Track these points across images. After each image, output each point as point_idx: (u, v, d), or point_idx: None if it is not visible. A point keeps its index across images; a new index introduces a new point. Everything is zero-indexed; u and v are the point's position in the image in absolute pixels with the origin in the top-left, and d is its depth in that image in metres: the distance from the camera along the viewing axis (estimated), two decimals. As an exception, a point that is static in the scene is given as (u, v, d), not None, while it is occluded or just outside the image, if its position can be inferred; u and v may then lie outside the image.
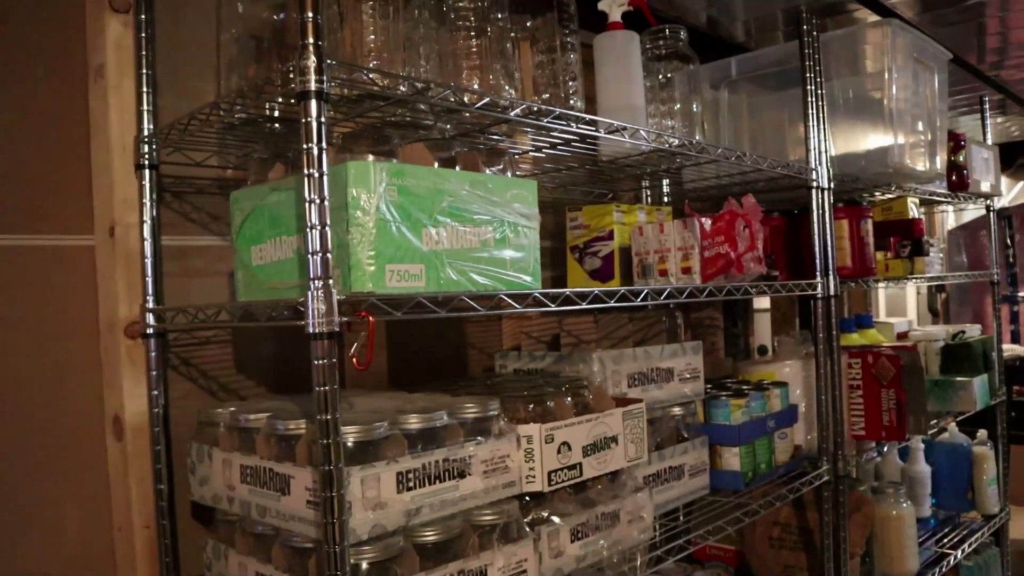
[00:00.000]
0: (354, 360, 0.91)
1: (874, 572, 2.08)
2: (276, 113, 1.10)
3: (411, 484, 0.98)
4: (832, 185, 1.79)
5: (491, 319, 1.86)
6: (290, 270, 1.00)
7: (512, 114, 1.09)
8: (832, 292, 1.77)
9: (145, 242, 1.21)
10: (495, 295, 1.03)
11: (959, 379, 2.27)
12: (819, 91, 1.77)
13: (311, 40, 0.86)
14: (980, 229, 4.63)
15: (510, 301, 1.05)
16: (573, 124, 1.18)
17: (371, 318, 0.89)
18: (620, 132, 1.28)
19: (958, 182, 2.27)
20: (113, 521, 1.29)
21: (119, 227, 1.23)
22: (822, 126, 1.78)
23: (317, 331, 0.86)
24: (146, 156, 1.21)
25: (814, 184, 1.77)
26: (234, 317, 1.06)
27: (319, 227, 0.86)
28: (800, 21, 1.76)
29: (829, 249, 1.77)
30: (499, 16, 1.15)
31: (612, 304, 1.22)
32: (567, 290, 1.14)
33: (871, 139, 1.90)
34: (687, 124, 1.57)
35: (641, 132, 1.33)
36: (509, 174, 1.12)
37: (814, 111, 1.76)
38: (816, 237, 1.77)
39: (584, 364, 1.46)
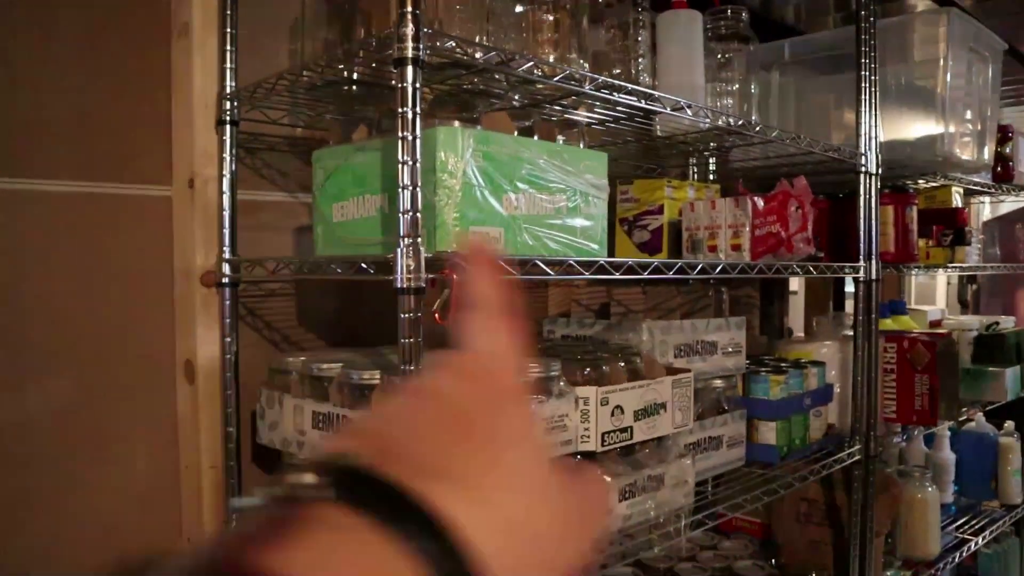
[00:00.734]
0: (436, 315, 0.95)
1: (896, 552, 2.13)
2: (356, 76, 1.14)
3: (478, 436, 1.03)
4: (880, 171, 1.81)
5: (538, 286, 1.90)
6: (372, 227, 1.05)
7: (586, 87, 1.13)
8: (874, 276, 1.80)
9: (224, 195, 1.26)
10: (566, 261, 1.08)
11: (991, 369, 2.30)
12: (872, 76, 1.79)
13: (409, 8, 0.90)
14: (1015, 222, 4.61)
15: (579, 267, 1.10)
16: (642, 100, 1.21)
17: (455, 276, 0.94)
18: (684, 109, 1.31)
19: (1003, 173, 2.28)
20: (180, 460, 1.35)
21: (198, 179, 1.28)
22: (873, 112, 1.79)
23: (404, 286, 0.91)
24: (228, 113, 1.26)
25: (863, 169, 1.79)
26: (315, 270, 1.11)
27: (411, 187, 0.90)
28: (858, 6, 1.78)
29: (874, 234, 1.80)
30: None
31: (669, 276, 1.26)
32: (630, 260, 1.18)
33: (920, 127, 1.92)
34: (745, 104, 1.60)
35: (703, 111, 1.36)
36: (581, 145, 1.16)
37: (867, 96, 1.78)
38: (861, 221, 1.79)
39: (633, 333, 1.51)
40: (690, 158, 2.07)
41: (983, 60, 2.00)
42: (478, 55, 0.99)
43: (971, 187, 2.24)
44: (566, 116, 1.39)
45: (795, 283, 2.82)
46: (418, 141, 0.90)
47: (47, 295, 1.24)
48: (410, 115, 0.90)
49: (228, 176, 1.26)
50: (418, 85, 0.91)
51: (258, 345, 1.42)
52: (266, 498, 0.30)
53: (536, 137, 1.11)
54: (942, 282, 4.23)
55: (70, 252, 1.26)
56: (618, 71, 1.25)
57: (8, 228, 1.20)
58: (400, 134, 0.90)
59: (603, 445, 1.23)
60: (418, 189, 0.90)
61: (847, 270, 1.77)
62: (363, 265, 0.99)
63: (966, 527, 2.41)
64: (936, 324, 2.58)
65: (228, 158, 1.26)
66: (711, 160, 2.11)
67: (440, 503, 0.30)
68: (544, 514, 0.34)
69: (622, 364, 1.32)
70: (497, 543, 0.31)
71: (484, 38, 1.10)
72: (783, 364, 1.82)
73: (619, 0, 1.25)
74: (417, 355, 0.91)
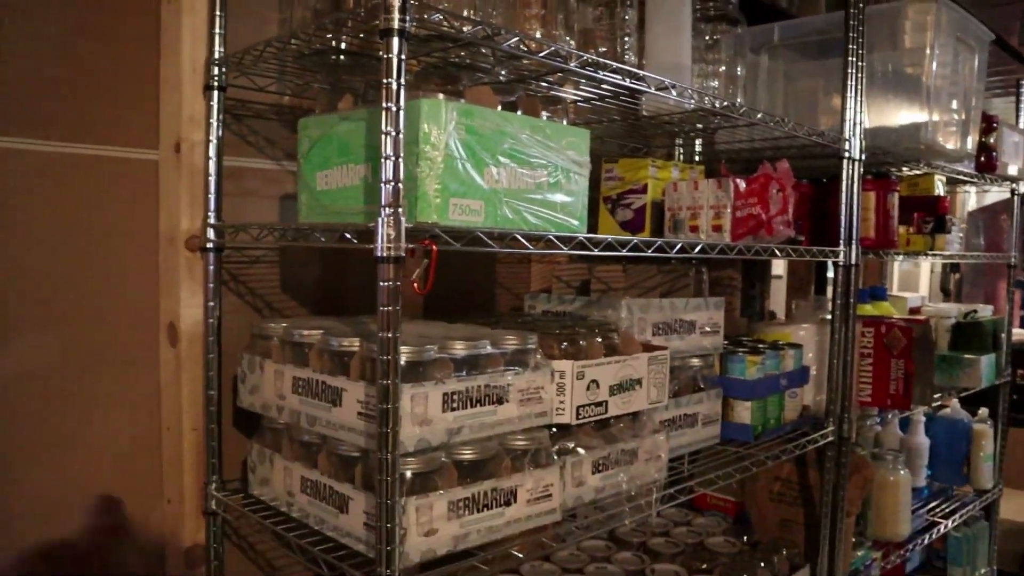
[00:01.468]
0: (414, 285, 0.97)
1: (867, 533, 2.17)
2: (344, 46, 1.15)
3: (455, 405, 1.06)
4: (863, 157, 1.83)
5: (521, 261, 1.92)
6: (355, 196, 1.06)
7: (572, 65, 1.14)
8: (854, 261, 1.83)
9: (210, 160, 1.27)
10: (545, 235, 1.09)
11: (967, 356, 2.34)
12: (860, 63, 1.80)
13: (396, -22, 0.91)
14: (1000, 213, 4.65)
15: (558, 242, 1.11)
16: (628, 79, 1.22)
17: (434, 247, 0.96)
18: (668, 89, 1.32)
19: (987, 163, 2.30)
20: (162, 422, 1.37)
21: (185, 144, 1.28)
22: (859, 98, 1.81)
23: (384, 255, 0.92)
24: (216, 78, 1.26)
25: (846, 154, 1.81)
26: (298, 237, 1.12)
27: (393, 158, 0.91)
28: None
29: (855, 219, 1.82)
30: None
31: (648, 254, 1.28)
32: (609, 236, 1.20)
33: (905, 114, 1.93)
34: (731, 86, 1.61)
35: (688, 91, 1.37)
36: (564, 122, 1.17)
37: (853, 82, 1.79)
38: (843, 206, 1.81)
39: (612, 310, 1.53)
40: (676, 139, 2.08)
41: (969, 50, 2.02)
42: (465, 28, 1.00)
43: (954, 176, 2.26)
44: (551, 93, 1.41)
45: (779, 267, 2.84)
46: (402, 112, 0.92)
47: (31, 255, 1.25)
48: (395, 86, 0.91)
49: (215, 141, 1.27)
50: (403, 56, 0.92)
51: (241, 311, 1.43)
52: None
53: (520, 112, 1.12)
54: (925, 270, 4.28)
55: (55, 213, 1.27)
56: (604, 49, 1.26)
57: (-5, 187, 1.21)
58: (384, 104, 0.91)
59: (578, 418, 1.25)
60: (400, 160, 0.92)
61: (827, 254, 1.79)
62: (346, 234, 1.00)
63: (937, 510, 2.46)
64: (916, 311, 2.61)
65: (215, 123, 1.27)
66: (696, 141, 2.13)
67: None
68: None
69: (599, 339, 1.34)
70: None
71: (472, 12, 1.11)
72: (760, 345, 1.85)
73: (607, -22, 1.26)
74: (396, 323, 0.92)
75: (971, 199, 4.37)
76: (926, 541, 2.30)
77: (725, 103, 1.48)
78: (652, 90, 1.31)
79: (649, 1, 1.50)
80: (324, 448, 1.14)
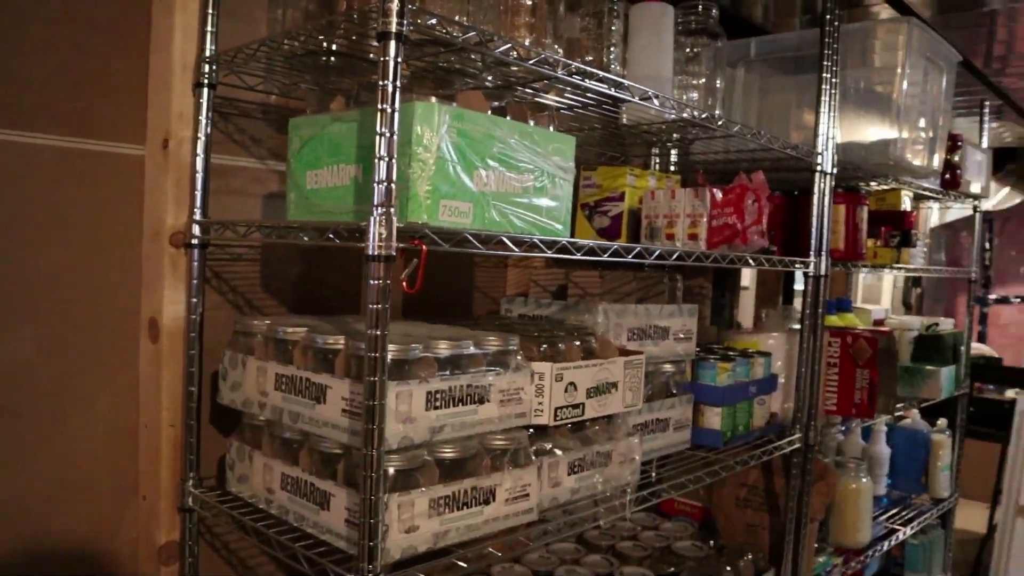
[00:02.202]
0: (403, 283, 0.99)
1: (828, 539, 2.22)
2: (335, 48, 1.17)
3: (438, 404, 1.07)
4: (835, 171, 1.88)
5: (497, 265, 1.94)
6: (345, 196, 1.07)
7: (559, 72, 1.16)
8: (823, 272, 1.87)
9: (198, 157, 1.28)
10: (530, 239, 1.12)
11: (928, 368, 2.40)
12: (834, 79, 1.85)
13: (394, -16, 0.93)
14: (961, 230, 4.78)
15: (542, 246, 1.14)
16: (612, 88, 1.25)
17: (424, 247, 0.97)
18: (651, 99, 1.36)
19: (951, 181, 2.37)
20: (140, 418, 1.37)
21: (173, 140, 1.29)
22: (832, 113, 1.86)
23: (376, 253, 0.94)
24: (206, 76, 1.27)
25: (819, 168, 1.85)
26: (285, 235, 1.13)
27: (387, 159, 0.93)
28: (823, 10, 1.84)
29: (825, 231, 1.87)
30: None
31: (628, 259, 1.31)
32: (591, 241, 1.22)
33: (875, 130, 1.99)
34: (710, 98, 1.65)
35: (669, 102, 1.40)
36: (551, 128, 1.19)
37: (827, 99, 1.84)
38: (814, 218, 1.86)
39: (589, 314, 1.56)
40: (653, 148, 2.12)
41: (938, 70, 2.08)
42: (457, 34, 1.02)
43: (920, 192, 2.32)
44: (536, 99, 1.43)
45: (746, 278, 2.90)
46: (396, 114, 0.93)
47: (10, 246, 1.24)
48: (390, 88, 0.93)
49: (203, 138, 1.28)
50: (399, 59, 0.93)
51: (221, 307, 1.43)
52: None
53: (508, 117, 1.14)
54: (888, 284, 4.37)
55: (38, 205, 1.26)
56: (590, 58, 1.29)
57: (-24, 177, 1.21)
58: (379, 106, 0.93)
59: (555, 420, 1.27)
60: (394, 160, 0.93)
61: (798, 265, 1.84)
62: (332, 232, 1.02)
63: (896, 518, 2.52)
64: (879, 323, 2.68)
65: (204, 121, 1.28)
66: (673, 152, 2.17)
67: None
68: None
69: (577, 343, 1.36)
70: None
71: (464, 18, 1.13)
72: (731, 352, 1.88)
73: (594, -11, 1.29)
74: (385, 321, 0.94)
75: (934, 215, 4.48)
76: (885, 548, 2.36)
77: (704, 115, 1.52)
78: (635, 99, 1.34)
79: (634, 12, 1.53)
80: (306, 445, 1.15)
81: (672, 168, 2.19)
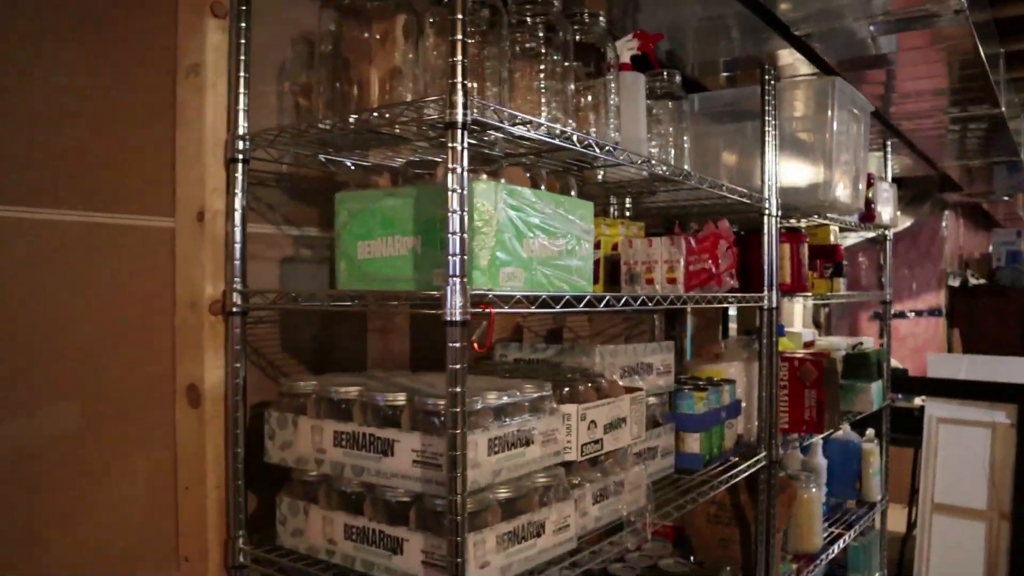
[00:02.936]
0: (475, 344, 1.10)
1: (787, 546, 2.41)
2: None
3: (496, 449, 1.18)
4: (780, 213, 2.08)
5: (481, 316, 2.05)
6: (403, 265, 1.18)
7: (598, 152, 1.31)
8: (775, 304, 2.07)
9: (236, 229, 1.35)
10: (565, 295, 1.25)
11: (859, 384, 2.64)
12: (774, 132, 2.06)
13: (459, 79, 1.05)
14: (858, 252, 5.18)
15: (573, 300, 1.27)
16: (626, 159, 1.41)
17: (492, 311, 1.09)
18: (643, 164, 1.51)
19: (868, 214, 2.64)
20: (179, 482, 1.41)
21: (209, 213, 1.36)
22: (775, 161, 2.07)
23: (453, 319, 1.05)
24: (240, 152, 1.35)
25: (767, 211, 2.06)
26: (350, 302, 1.22)
27: (459, 234, 1.04)
28: (761, 72, 2.05)
29: (774, 268, 2.07)
30: (563, 60, 1.36)
31: (636, 307, 1.45)
32: (609, 294, 1.36)
33: (809, 173, 2.22)
34: (678, 155, 1.82)
35: (659, 165, 1.56)
36: (573, 194, 1.33)
37: (771, 149, 2.05)
38: (765, 257, 2.06)
39: (587, 356, 1.69)
40: (611, 197, 2.29)
41: (856, 119, 2.34)
42: (505, 123, 1.15)
43: (844, 226, 2.57)
44: (523, 161, 1.56)
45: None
46: (467, 193, 1.05)
47: (50, 321, 1.28)
48: (459, 171, 1.05)
49: (239, 211, 1.35)
50: (466, 144, 1.05)
51: (249, 370, 1.49)
52: None
53: (543, 188, 1.27)
54: (799, 308, 4.69)
55: (72, 279, 1.30)
56: (593, 130, 1.44)
57: (13, 256, 1.24)
58: (451, 187, 1.04)
59: (582, 455, 1.40)
60: (466, 235, 1.05)
61: (755, 299, 2.03)
62: (403, 300, 1.12)
63: (838, 523, 2.74)
64: (809, 344, 2.92)
65: (239, 194, 1.35)
66: (627, 200, 2.34)
67: None
68: None
69: (591, 385, 1.50)
70: None
71: (496, 99, 1.26)
72: (701, 382, 2.05)
73: (595, 70, 1.44)
74: (464, 379, 1.05)
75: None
76: (835, 551, 2.57)
77: (677, 172, 1.69)
78: (628, 162, 1.49)
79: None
80: (369, 496, 1.23)
81: (627, 214, 2.36)
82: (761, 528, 2.07)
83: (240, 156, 1.35)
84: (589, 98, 1.47)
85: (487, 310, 1.09)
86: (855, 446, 2.88)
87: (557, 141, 1.25)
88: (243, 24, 1.36)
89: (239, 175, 1.36)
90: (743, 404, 2.17)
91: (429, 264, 1.15)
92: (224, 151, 1.37)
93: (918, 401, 4.06)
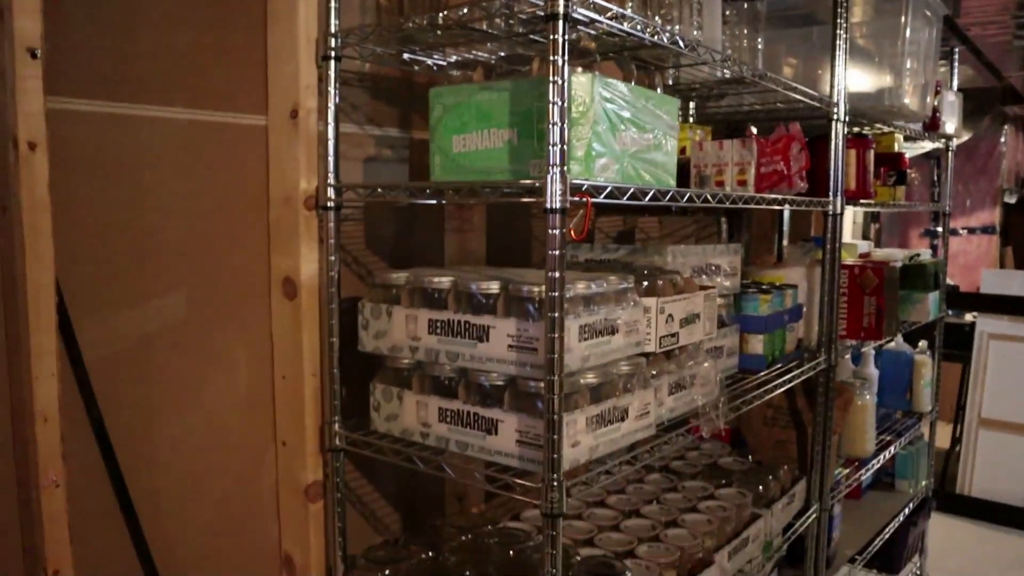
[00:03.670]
0: (571, 232, 1.14)
1: (840, 451, 2.47)
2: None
3: (586, 336, 1.23)
4: (848, 119, 2.07)
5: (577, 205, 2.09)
6: (499, 157, 1.21)
7: (684, 50, 1.32)
8: (840, 210, 2.08)
9: (329, 126, 1.39)
10: (651, 189, 1.28)
11: (916, 294, 2.66)
12: (845, 35, 2.03)
13: (562, -31, 1.06)
14: (914, 167, 5.10)
15: (658, 194, 1.30)
16: (709, 57, 1.41)
17: (588, 199, 1.12)
18: (727, 63, 1.52)
19: (932, 123, 2.60)
20: (276, 371, 1.49)
21: (302, 110, 1.39)
22: (844, 65, 2.05)
23: (553, 207, 1.08)
24: (332, 49, 1.38)
25: (835, 116, 2.05)
26: (434, 194, 1.26)
27: (559, 124, 1.07)
28: (838, -26, 2.01)
29: (840, 174, 2.07)
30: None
31: (726, 205, 1.49)
32: (690, 190, 1.39)
33: (879, 79, 2.19)
34: (752, 57, 1.81)
35: (743, 69, 1.56)
36: (659, 90, 1.34)
37: (840, 52, 2.03)
38: (832, 163, 2.06)
39: (658, 256, 1.73)
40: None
41: (929, 23, 2.29)
42: (602, 17, 1.16)
43: (908, 135, 2.55)
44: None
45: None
46: (566, 85, 1.07)
47: (160, 216, 1.34)
48: (560, 62, 1.07)
49: (332, 108, 1.39)
50: (567, 37, 1.07)
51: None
52: None
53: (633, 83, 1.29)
54: (850, 220, 4.66)
55: (179, 176, 1.36)
56: (677, 27, 1.44)
57: (123, 151, 1.29)
58: (551, 79, 1.06)
59: (660, 347, 1.45)
60: (566, 126, 1.07)
61: (820, 204, 2.04)
62: (505, 190, 1.16)
63: (887, 431, 2.80)
64: (865, 255, 2.92)
65: (332, 91, 1.39)
66: (691, 105, 2.33)
67: None
68: None
69: (669, 280, 1.54)
70: None
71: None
72: (765, 285, 2.08)
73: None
74: (563, 265, 1.09)
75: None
76: (885, 457, 2.63)
77: (759, 72, 1.68)
78: (714, 63, 1.50)
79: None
80: (463, 380, 1.30)
81: (690, 119, 2.36)
82: (818, 430, 2.13)
83: (332, 53, 1.38)
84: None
85: (584, 199, 1.12)
86: (907, 357, 2.91)
87: (647, 36, 1.26)
88: (333, -80, 1.37)
89: (331, 72, 1.38)
90: (804, 309, 2.20)
91: (525, 156, 1.18)
92: (316, 49, 1.39)
93: (968, 317, 4.07)
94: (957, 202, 5.18)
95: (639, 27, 1.23)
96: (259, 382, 1.49)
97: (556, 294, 1.10)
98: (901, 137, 2.50)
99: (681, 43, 1.35)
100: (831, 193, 2.06)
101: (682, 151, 1.89)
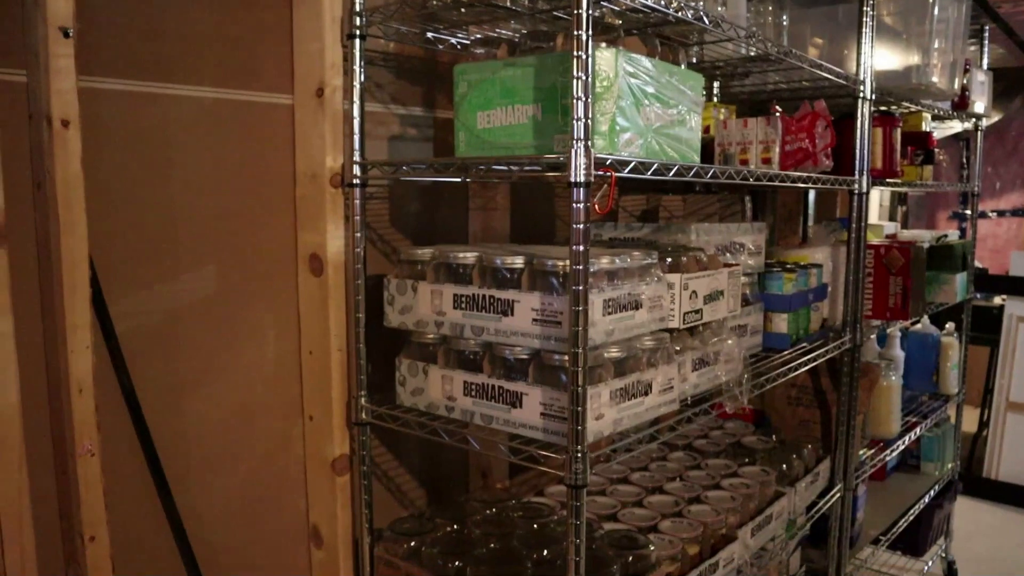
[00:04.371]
0: (595, 207, 1.14)
1: (865, 432, 2.46)
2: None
3: (610, 310, 1.24)
4: (874, 96, 2.05)
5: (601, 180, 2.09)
6: (523, 133, 1.22)
7: (708, 25, 1.31)
8: (865, 190, 2.07)
9: (354, 104, 1.40)
10: (675, 164, 1.28)
11: (944, 274, 2.63)
12: (872, 12, 2.01)
13: (586, -58, 1.06)
14: (942, 148, 5.03)
15: (682, 170, 1.30)
16: (733, 33, 1.41)
17: (612, 174, 1.13)
18: (752, 40, 1.51)
19: (961, 102, 2.57)
20: (303, 346, 1.51)
21: (328, 88, 1.41)
22: (871, 43, 2.03)
23: (577, 180, 1.09)
24: (358, 28, 1.39)
25: (861, 95, 2.03)
26: (462, 171, 1.27)
27: (584, 99, 1.08)
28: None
29: (866, 153, 2.06)
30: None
31: (748, 182, 1.48)
32: (714, 166, 1.39)
33: (906, 57, 2.17)
34: (777, 34, 1.80)
35: (768, 45, 1.56)
36: (683, 66, 1.34)
37: (868, 30, 2.01)
38: (858, 141, 2.04)
39: (682, 233, 1.73)
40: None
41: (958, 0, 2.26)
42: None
43: (936, 114, 2.52)
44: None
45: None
46: (590, 59, 1.08)
47: (190, 193, 1.36)
48: (584, 37, 1.07)
49: (357, 86, 1.40)
50: (591, 12, 1.07)
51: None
52: None
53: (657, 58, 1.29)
54: (875, 202, 4.62)
55: (207, 153, 1.38)
56: (702, 3, 1.43)
57: (152, 129, 1.32)
58: (575, 53, 1.07)
59: (684, 323, 1.45)
60: (590, 100, 1.08)
61: (846, 183, 2.02)
62: (529, 165, 1.16)
63: (913, 413, 2.78)
64: (892, 236, 2.90)
65: (357, 70, 1.40)
66: (715, 84, 2.32)
67: None
68: None
69: (693, 257, 1.54)
70: None
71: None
72: (789, 264, 2.08)
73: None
74: (588, 239, 1.10)
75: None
76: (910, 438, 2.62)
77: (785, 49, 1.67)
78: (739, 39, 1.49)
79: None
80: (488, 354, 1.31)
81: (715, 98, 2.35)
82: (843, 410, 2.13)
83: (357, 32, 1.39)
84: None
85: (608, 173, 1.13)
86: (933, 339, 2.88)
87: (671, 12, 1.26)
88: (357, -101, 1.38)
89: (357, 51, 1.40)
90: (829, 288, 2.19)
91: (549, 131, 1.19)
92: (341, 27, 1.40)
93: (997, 300, 4.02)
94: (986, 184, 5.11)
95: (663, 2, 1.23)
96: (286, 357, 1.51)
97: (580, 267, 1.11)
98: (929, 116, 2.47)
99: (705, 19, 1.35)
100: (856, 172, 2.05)
101: (706, 130, 1.88)
